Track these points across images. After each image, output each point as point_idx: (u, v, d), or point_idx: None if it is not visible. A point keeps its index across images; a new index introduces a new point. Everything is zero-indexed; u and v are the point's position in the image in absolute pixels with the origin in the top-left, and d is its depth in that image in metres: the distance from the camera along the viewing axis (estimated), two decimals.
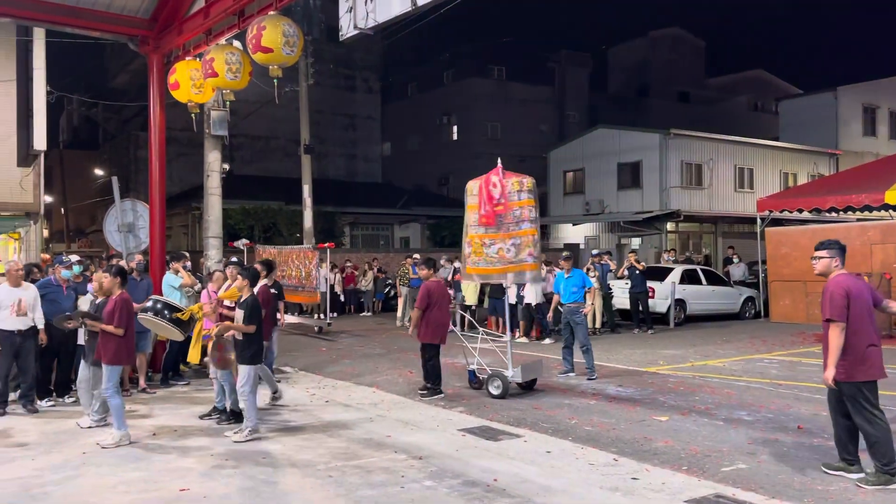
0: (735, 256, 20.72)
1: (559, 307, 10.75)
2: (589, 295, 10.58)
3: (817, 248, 5.74)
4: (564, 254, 11.49)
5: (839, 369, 5.42)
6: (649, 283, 16.23)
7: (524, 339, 14.52)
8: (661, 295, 16.95)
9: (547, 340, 14.27)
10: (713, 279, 18.55)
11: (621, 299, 16.46)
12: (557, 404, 8.53)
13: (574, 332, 10.25)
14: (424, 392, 8.98)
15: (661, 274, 17.39)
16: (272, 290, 10.26)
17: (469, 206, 9.19)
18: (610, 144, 28.95)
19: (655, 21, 51.61)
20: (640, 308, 15.90)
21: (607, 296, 15.83)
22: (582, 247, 28.50)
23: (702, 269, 18.73)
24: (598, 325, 15.42)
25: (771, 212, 19.04)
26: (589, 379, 9.93)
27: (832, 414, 5.75)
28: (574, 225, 30.45)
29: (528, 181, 9.04)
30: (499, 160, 9.38)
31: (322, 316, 17.33)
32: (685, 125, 31.57)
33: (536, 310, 14.50)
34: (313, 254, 15.70)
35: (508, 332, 9.80)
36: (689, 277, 17.74)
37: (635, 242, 27.36)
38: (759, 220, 19.37)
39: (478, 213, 8.97)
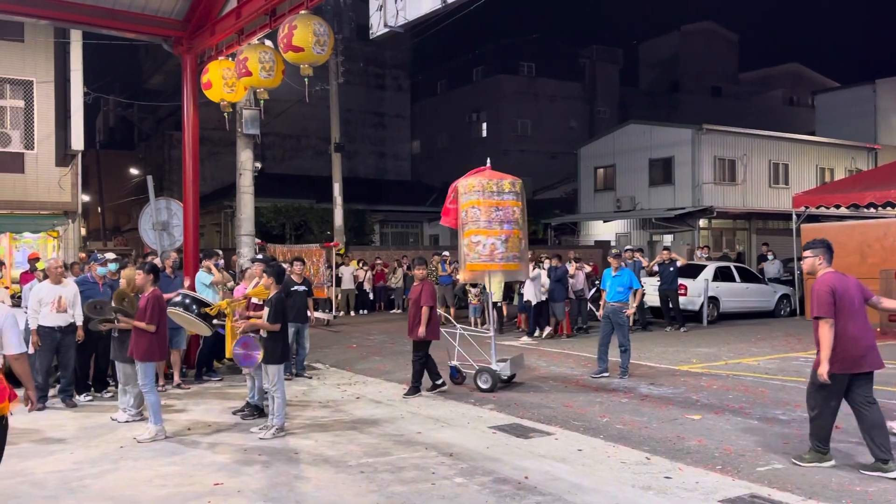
0: (770, 253, 20.38)
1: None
2: (634, 296, 10.37)
3: (803, 249, 6.04)
4: (613, 251, 11.46)
5: (834, 362, 5.59)
6: (682, 281, 16.04)
7: (526, 339, 14.41)
8: (694, 292, 16.74)
9: (525, 338, 14.31)
10: (747, 276, 18.27)
11: (652, 296, 16.29)
12: (589, 402, 8.48)
13: (615, 331, 10.10)
14: (411, 392, 8.87)
15: (693, 271, 17.17)
16: (302, 288, 10.37)
17: (462, 204, 9.12)
18: (641, 140, 28.67)
19: (687, 15, 50.94)
20: (671, 305, 15.72)
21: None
22: (613, 244, 28.28)
23: (735, 267, 18.46)
24: (630, 322, 15.25)
25: (807, 208, 18.68)
26: (620, 377, 9.83)
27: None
28: (605, 222, 30.22)
29: (518, 183, 9.16)
30: (488, 160, 9.59)
31: (329, 310, 17.97)
32: (718, 120, 31.12)
33: (536, 308, 14.62)
34: (320, 252, 16.54)
35: (493, 328, 9.74)
36: (722, 275, 17.50)
37: (667, 239, 27.07)
38: (794, 217, 19.03)
39: (484, 209, 8.94)
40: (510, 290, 15.88)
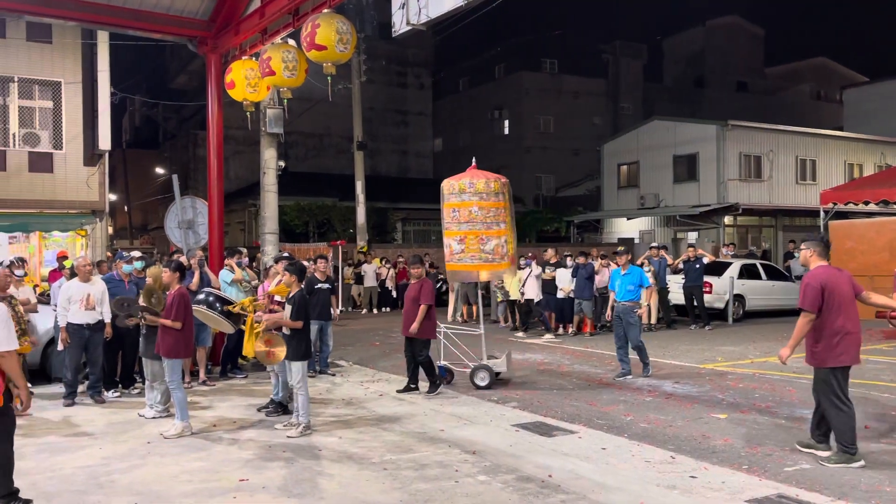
0: (797, 251, 20.07)
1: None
2: (645, 293, 10.15)
3: (801, 243, 6.38)
4: (620, 248, 11.26)
5: (814, 356, 5.92)
6: (707, 278, 15.88)
7: (549, 336, 14.36)
8: (720, 290, 16.57)
9: (547, 335, 14.27)
10: (773, 274, 18.04)
11: (677, 294, 16.15)
12: (612, 400, 8.43)
13: (626, 331, 9.82)
14: (432, 389, 8.80)
15: (719, 269, 16.99)
16: (325, 286, 10.42)
17: (448, 203, 9.11)
18: (665, 136, 28.41)
19: (713, 9, 50.28)
20: (695, 303, 15.57)
21: (663, 290, 15.55)
22: (637, 241, 28.07)
23: (761, 264, 18.23)
24: (653, 320, 15.17)
25: (835, 204, 18.37)
26: (644, 376, 9.74)
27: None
28: (628, 219, 30.00)
29: (502, 183, 9.13)
30: (473, 160, 9.60)
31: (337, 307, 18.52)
32: (743, 116, 30.76)
33: (536, 305, 14.63)
34: (327, 250, 17.28)
35: (481, 325, 9.66)
36: (748, 272, 17.30)
37: (692, 237, 26.81)
38: (822, 213, 18.73)
39: (489, 209, 8.94)
40: None
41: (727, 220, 26.30)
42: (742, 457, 6.10)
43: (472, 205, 8.91)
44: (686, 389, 9.04)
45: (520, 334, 14.51)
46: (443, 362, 9.52)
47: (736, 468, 5.77)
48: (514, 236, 9.27)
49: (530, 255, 16.25)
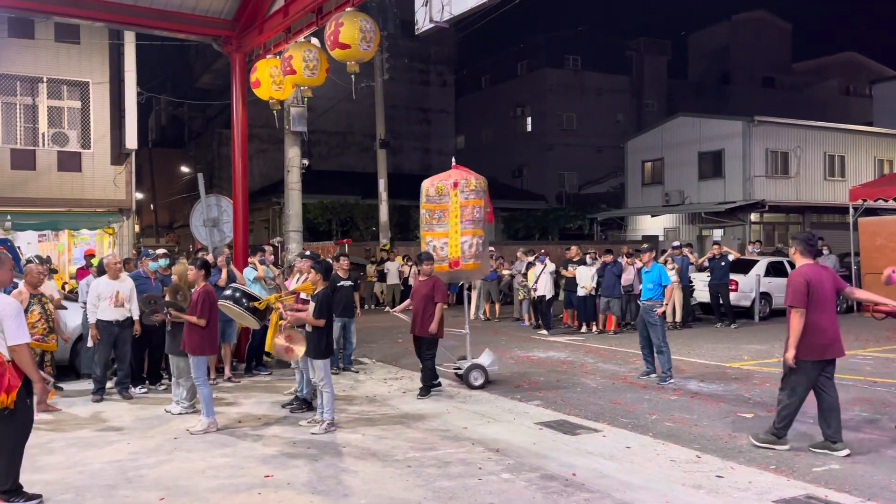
0: (825, 248, 19.77)
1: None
2: (668, 291, 9.83)
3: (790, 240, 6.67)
4: (644, 246, 11.11)
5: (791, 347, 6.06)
6: (733, 276, 15.70)
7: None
8: (746, 288, 16.37)
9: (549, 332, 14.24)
10: None
11: (703, 292, 15.98)
12: (637, 399, 8.36)
13: (649, 331, 9.51)
14: (427, 392, 8.64)
15: (745, 266, 16.79)
16: (348, 283, 10.46)
17: (426, 205, 9.05)
18: (690, 133, 28.13)
19: (738, 4, 49.64)
20: (721, 301, 15.40)
21: (686, 289, 15.40)
22: (661, 239, 27.84)
23: (788, 262, 17.97)
24: (678, 318, 15.02)
25: (865, 201, 18.06)
26: (663, 381, 9.23)
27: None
28: (653, 216, 29.77)
29: (483, 181, 9.07)
30: (453, 159, 9.54)
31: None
32: (770, 112, 30.32)
33: (547, 303, 14.60)
34: (334, 248, 17.31)
35: (467, 325, 9.60)
36: (774, 270, 17.07)
37: (717, 234, 26.53)
38: (851, 210, 18.43)
39: (469, 209, 8.88)
40: (556, 285, 15.76)
41: (753, 217, 25.99)
42: (769, 457, 6.02)
43: (449, 206, 8.89)
44: (712, 388, 8.95)
45: (543, 332, 14.46)
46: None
47: (763, 468, 5.70)
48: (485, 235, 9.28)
49: (542, 251, 16.24)
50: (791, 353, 6.03)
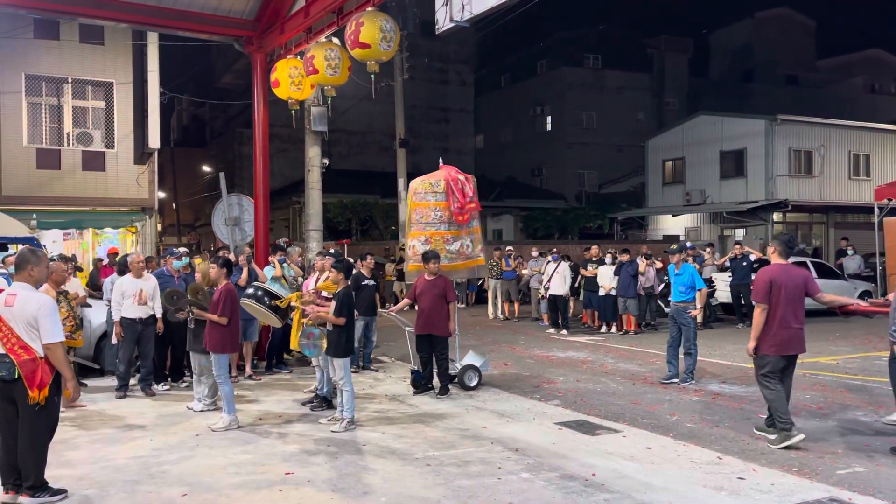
0: (849, 248, 19.54)
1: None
2: (699, 295, 9.61)
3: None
4: (672, 247, 10.93)
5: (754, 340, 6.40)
6: (755, 276, 15.51)
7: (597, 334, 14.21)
8: None
9: (563, 332, 14.25)
10: (825, 272, 17.54)
11: (724, 292, 15.83)
12: (657, 400, 8.31)
13: (681, 332, 9.40)
14: (446, 391, 8.57)
15: None
16: (371, 282, 10.49)
17: (414, 204, 9.01)
18: (712, 132, 27.88)
19: (761, 1, 48.99)
20: (743, 301, 15.25)
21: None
22: (682, 238, 27.63)
23: (812, 262, 17.76)
24: (700, 319, 14.83)
25: (890, 200, 17.80)
26: (684, 382, 9.17)
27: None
28: (673, 216, 29.55)
29: (472, 181, 9.06)
30: (440, 159, 9.50)
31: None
32: (793, 110, 29.97)
33: (563, 302, 14.55)
34: (329, 247, 18.09)
35: (456, 325, 9.48)
36: None
37: (739, 234, 26.27)
38: (876, 210, 18.17)
39: (448, 209, 8.85)
40: (575, 284, 15.69)
41: (776, 216, 25.70)
42: (792, 459, 5.96)
43: (437, 205, 8.88)
44: (733, 389, 8.87)
45: (563, 332, 14.41)
46: (416, 367, 9.03)
47: (786, 470, 5.64)
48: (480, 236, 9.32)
49: (554, 250, 16.21)
50: (751, 345, 6.42)
